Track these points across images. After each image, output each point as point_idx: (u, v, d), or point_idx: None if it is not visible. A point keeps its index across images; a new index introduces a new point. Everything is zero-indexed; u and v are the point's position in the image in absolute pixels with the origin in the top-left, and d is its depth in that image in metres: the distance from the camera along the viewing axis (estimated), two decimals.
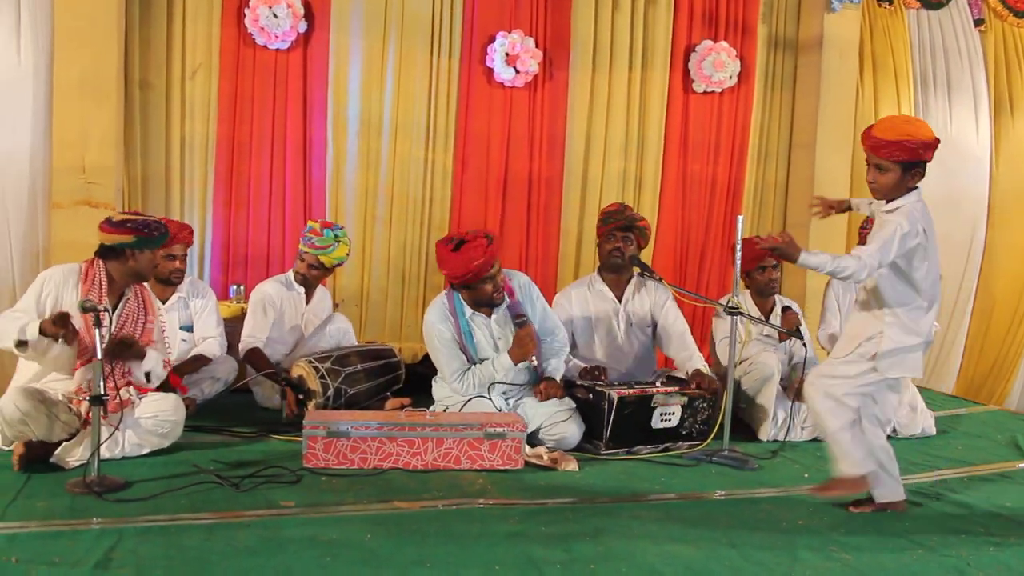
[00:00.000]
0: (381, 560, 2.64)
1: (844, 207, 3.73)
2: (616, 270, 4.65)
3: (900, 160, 3.22)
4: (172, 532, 2.80)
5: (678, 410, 4.18)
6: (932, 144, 3.24)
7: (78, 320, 3.45)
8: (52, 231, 5.08)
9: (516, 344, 4.13)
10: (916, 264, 3.26)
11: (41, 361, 3.60)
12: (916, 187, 3.29)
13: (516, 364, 4.14)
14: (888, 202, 3.31)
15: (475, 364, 4.21)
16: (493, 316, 4.22)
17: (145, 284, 3.90)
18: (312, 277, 4.90)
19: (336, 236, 4.80)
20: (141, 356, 3.67)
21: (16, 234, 5.04)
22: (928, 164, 3.28)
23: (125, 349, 3.58)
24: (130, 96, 5.38)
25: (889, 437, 4.58)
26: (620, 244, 4.55)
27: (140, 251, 3.64)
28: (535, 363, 4.20)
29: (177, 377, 4.18)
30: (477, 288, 4.08)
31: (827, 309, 5.00)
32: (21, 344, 3.44)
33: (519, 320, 4.17)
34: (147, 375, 3.74)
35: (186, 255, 4.64)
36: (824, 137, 6.62)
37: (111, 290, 3.66)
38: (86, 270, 3.67)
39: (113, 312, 3.59)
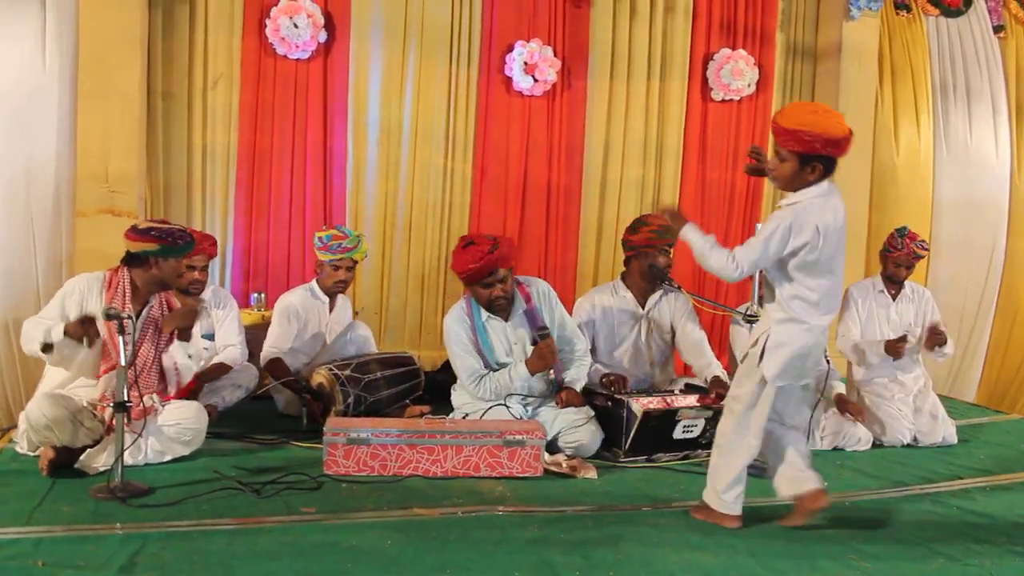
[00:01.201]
0: (401, 566, 2.65)
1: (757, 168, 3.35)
2: (654, 280, 4.65)
3: (796, 151, 3.02)
4: (195, 537, 2.82)
5: (702, 422, 4.17)
6: (835, 140, 3.00)
7: (102, 326, 3.50)
8: (76, 239, 5.14)
9: (536, 355, 4.14)
10: (806, 265, 3.05)
11: (67, 366, 3.64)
12: (821, 182, 3.08)
13: (533, 375, 4.16)
14: (788, 195, 3.13)
15: (492, 370, 4.23)
16: (509, 321, 4.25)
17: (171, 292, 3.95)
18: (342, 284, 4.91)
19: (354, 232, 4.85)
20: (189, 336, 3.78)
21: (41, 242, 5.10)
22: (837, 161, 3.09)
23: (193, 318, 3.71)
24: (152, 106, 5.45)
25: (910, 446, 4.62)
26: (666, 258, 4.57)
27: (164, 259, 3.67)
28: (552, 374, 4.23)
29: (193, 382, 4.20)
30: (474, 288, 4.16)
31: (847, 315, 4.97)
32: (47, 348, 3.49)
33: (541, 332, 4.17)
34: (189, 356, 3.82)
35: (207, 267, 4.65)
36: None
37: (135, 298, 3.70)
38: (110, 278, 3.72)
39: (137, 319, 3.63)
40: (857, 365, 4.91)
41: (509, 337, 4.26)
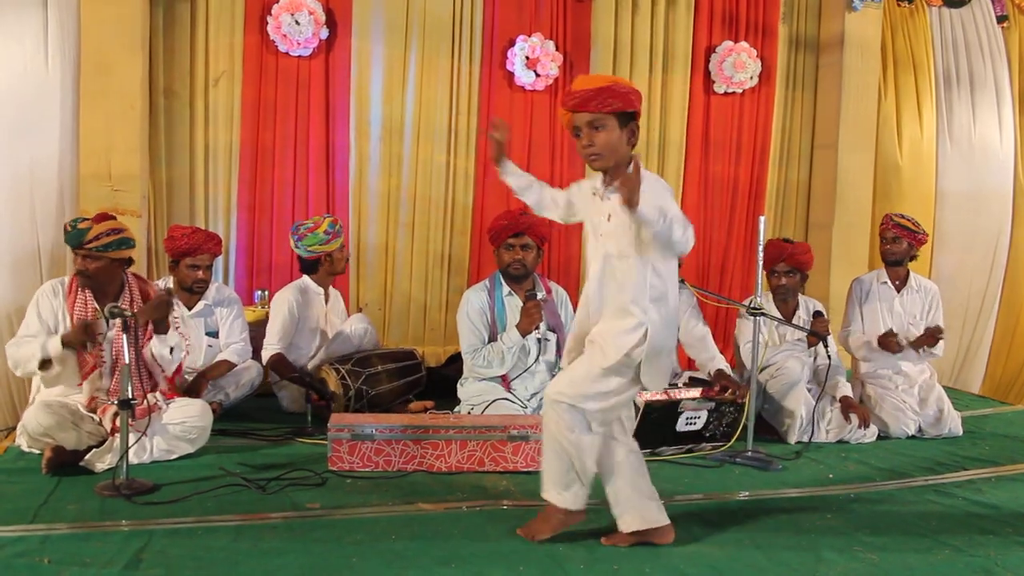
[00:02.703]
0: (406, 561, 2.66)
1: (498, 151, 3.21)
2: None
3: (616, 110, 2.71)
4: (200, 534, 2.83)
5: (704, 414, 4.17)
6: (639, 93, 2.80)
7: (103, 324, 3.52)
8: None
9: (523, 314, 4.30)
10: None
11: (59, 381, 3.65)
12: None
13: (523, 336, 4.28)
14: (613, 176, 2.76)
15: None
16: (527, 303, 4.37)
17: (146, 279, 3.99)
18: (337, 268, 4.93)
19: (325, 221, 4.85)
20: (166, 328, 3.73)
21: (45, 240, 5.10)
22: (638, 124, 2.83)
23: (165, 309, 3.66)
24: (155, 104, 5.46)
25: (914, 437, 4.61)
26: None
27: (73, 251, 3.71)
28: (539, 335, 4.39)
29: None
30: (499, 252, 4.45)
31: (851, 309, 4.98)
32: (45, 363, 3.50)
33: (528, 293, 4.36)
34: (171, 350, 3.78)
35: (211, 266, 4.66)
36: (846, 137, 6.60)
37: (102, 297, 3.71)
38: (70, 282, 3.75)
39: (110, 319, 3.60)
40: (862, 360, 4.91)
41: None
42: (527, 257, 4.41)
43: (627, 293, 2.75)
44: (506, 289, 4.46)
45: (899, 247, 4.86)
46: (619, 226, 2.75)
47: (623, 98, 2.72)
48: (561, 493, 2.82)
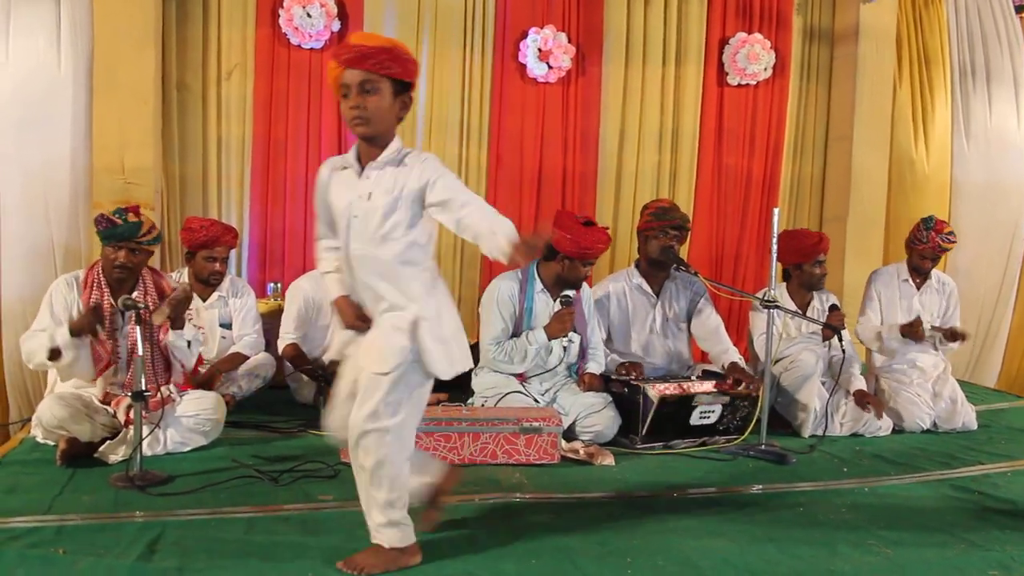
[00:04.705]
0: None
1: None
2: (665, 266, 4.63)
3: (393, 75, 2.45)
4: (213, 525, 2.84)
5: (718, 408, 4.16)
6: (418, 65, 2.60)
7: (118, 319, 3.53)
8: (93, 232, 5.15)
9: (555, 319, 4.24)
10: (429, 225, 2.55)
11: (72, 373, 3.65)
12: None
13: (550, 340, 4.23)
14: (381, 149, 2.50)
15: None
16: (557, 301, 4.33)
17: (160, 272, 3.97)
18: None
19: None
20: (182, 324, 3.73)
21: (58, 234, 5.13)
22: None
23: (186, 305, 3.65)
24: (167, 97, 5.47)
25: (929, 431, 4.59)
26: (673, 242, 4.54)
27: (104, 245, 3.72)
28: (566, 343, 4.32)
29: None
30: (576, 265, 4.26)
31: (868, 301, 4.94)
32: (54, 354, 3.50)
33: (564, 299, 4.29)
34: (188, 344, 3.78)
35: (227, 258, 4.68)
36: (861, 129, 6.55)
37: (119, 289, 3.71)
38: (86, 275, 3.75)
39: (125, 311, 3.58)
40: (877, 353, 4.87)
41: (551, 315, 4.31)
42: (588, 274, 4.36)
43: (394, 283, 2.51)
44: (539, 285, 4.35)
45: (937, 263, 4.85)
46: (387, 203, 2.47)
47: (402, 64, 2.47)
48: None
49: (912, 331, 4.66)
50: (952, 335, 4.72)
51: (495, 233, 2.33)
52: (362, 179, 2.52)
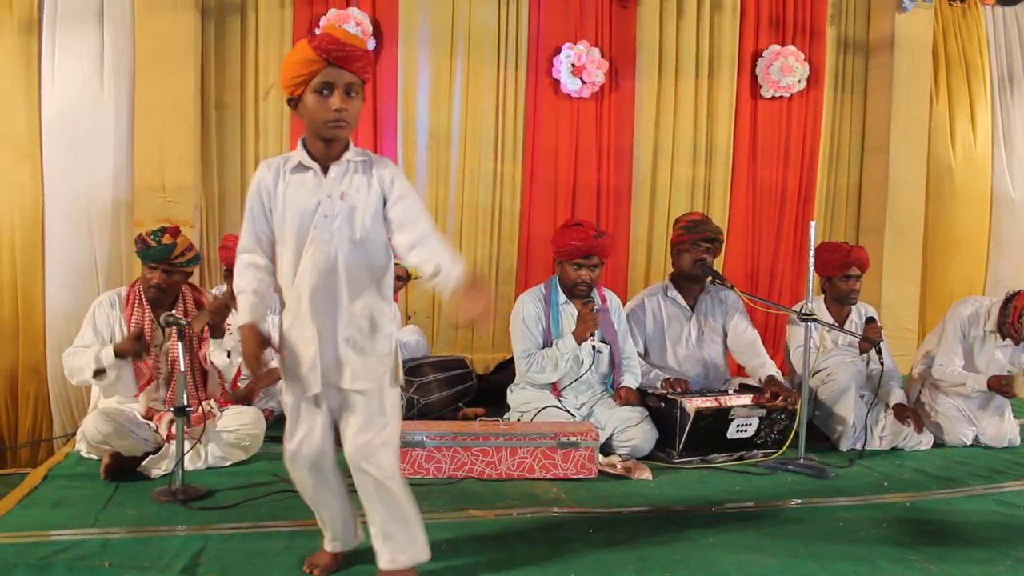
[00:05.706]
0: (457, 568, 2.66)
1: None
2: (698, 279, 4.62)
3: (367, 80, 2.44)
4: (254, 539, 2.87)
5: (755, 421, 4.13)
6: None
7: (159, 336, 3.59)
8: (134, 250, 5.25)
9: (579, 320, 4.28)
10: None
11: (115, 391, 3.73)
12: None
13: (579, 343, 4.25)
14: (342, 150, 2.45)
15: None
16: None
17: (200, 288, 4.05)
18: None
19: None
20: (222, 332, 3.77)
21: (101, 257, 5.24)
22: None
23: (224, 313, 3.68)
24: (206, 116, 5.57)
25: (972, 446, 4.51)
26: (705, 255, 4.53)
27: (143, 264, 3.78)
28: (594, 343, 4.35)
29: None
30: (566, 267, 4.32)
31: (950, 341, 4.65)
32: (99, 373, 3.58)
33: (584, 301, 4.34)
34: (228, 355, 3.82)
35: None
36: (897, 140, 6.49)
37: (160, 307, 3.78)
38: (128, 292, 3.82)
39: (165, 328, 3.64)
40: (952, 388, 4.61)
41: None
42: (594, 276, 4.33)
43: (373, 282, 2.47)
44: (562, 297, 4.40)
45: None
46: (363, 202, 2.43)
47: (372, 69, 2.45)
48: None
49: (1000, 387, 4.44)
50: None
51: (450, 273, 2.41)
52: (328, 179, 2.43)
